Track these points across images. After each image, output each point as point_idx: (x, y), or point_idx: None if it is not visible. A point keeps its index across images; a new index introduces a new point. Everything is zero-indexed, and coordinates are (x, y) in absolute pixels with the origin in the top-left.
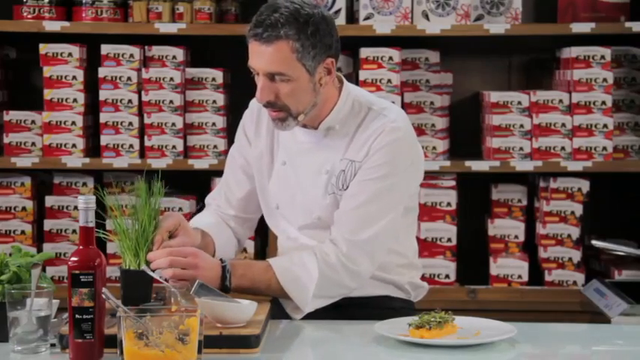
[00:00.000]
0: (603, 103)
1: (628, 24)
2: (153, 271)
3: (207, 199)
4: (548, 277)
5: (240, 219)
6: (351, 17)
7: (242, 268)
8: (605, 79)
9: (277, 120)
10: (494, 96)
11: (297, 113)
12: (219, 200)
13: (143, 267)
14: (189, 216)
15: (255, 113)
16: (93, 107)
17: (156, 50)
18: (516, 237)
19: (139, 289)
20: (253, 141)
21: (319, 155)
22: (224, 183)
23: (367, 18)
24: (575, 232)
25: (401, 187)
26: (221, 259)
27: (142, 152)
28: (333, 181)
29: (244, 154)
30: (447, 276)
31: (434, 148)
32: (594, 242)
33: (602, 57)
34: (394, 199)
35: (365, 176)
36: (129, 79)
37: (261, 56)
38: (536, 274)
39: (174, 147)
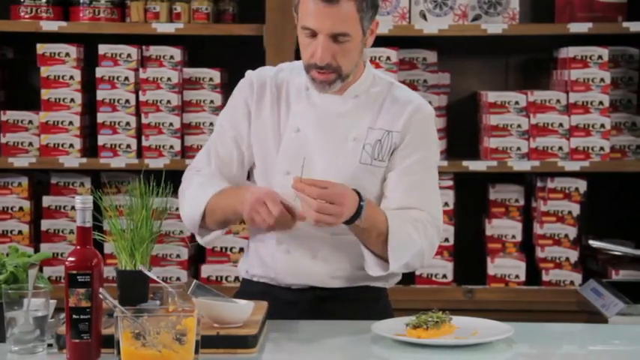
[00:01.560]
0: (600, 103)
1: (625, 24)
2: (149, 270)
3: (192, 168)
4: (545, 277)
5: None
6: None
7: (371, 209)
8: (602, 79)
9: (325, 83)
10: (491, 96)
11: (347, 74)
12: (208, 170)
13: (140, 267)
14: None
15: (256, 86)
16: (90, 107)
17: (153, 50)
18: (513, 237)
19: (135, 290)
20: (255, 114)
21: (343, 122)
22: (214, 155)
23: None
24: (572, 232)
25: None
26: (359, 194)
27: (140, 152)
28: (368, 151)
29: (237, 125)
30: (445, 276)
31: None
32: (591, 242)
33: (600, 57)
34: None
35: (424, 161)
36: (126, 79)
37: (326, 17)
38: (533, 274)
39: (171, 147)
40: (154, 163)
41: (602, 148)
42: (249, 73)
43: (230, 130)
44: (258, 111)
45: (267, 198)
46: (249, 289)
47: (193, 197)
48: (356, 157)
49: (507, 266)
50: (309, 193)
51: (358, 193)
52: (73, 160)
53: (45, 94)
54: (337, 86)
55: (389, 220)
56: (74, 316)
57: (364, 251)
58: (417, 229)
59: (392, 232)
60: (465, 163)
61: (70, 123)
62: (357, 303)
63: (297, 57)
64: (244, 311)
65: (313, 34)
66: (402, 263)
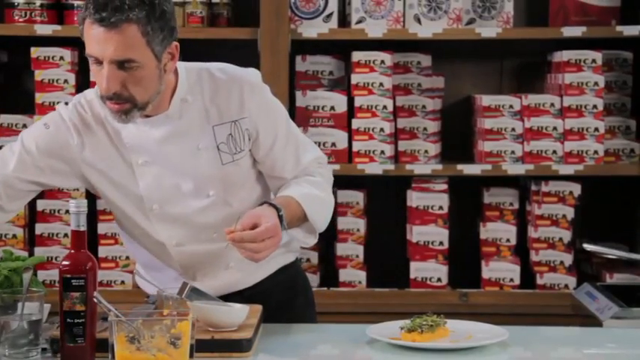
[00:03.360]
0: (594, 106)
1: (619, 28)
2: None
3: None
4: (539, 281)
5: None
6: (343, 21)
7: (286, 208)
8: (596, 83)
9: (121, 113)
10: (485, 99)
11: (143, 103)
12: None
13: (135, 270)
14: None
15: (79, 126)
16: None
17: None
18: (508, 240)
19: None
20: (86, 154)
21: (185, 135)
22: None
23: (359, 22)
24: (566, 235)
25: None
26: (276, 208)
27: None
28: (225, 150)
29: (52, 159)
30: (439, 279)
31: (426, 151)
32: (585, 246)
33: (594, 61)
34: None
35: (285, 127)
36: None
37: (107, 42)
38: (527, 278)
39: None
40: None
41: (596, 152)
42: (61, 112)
43: (37, 156)
44: (92, 151)
45: None
46: None
47: None
48: (216, 162)
49: (502, 270)
50: (249, 240)
51: (273, 206)
52: None
53: (39, 97)
54: (136, 116)
55: (301, 203)
56: (68, 320)
57: (293, 232)
58: (322, 186)
59: (310, 213)
60: (459, 166)
61: None
62: (281, 285)
63: (292, 60)
64: (239, 315)
65: (99, 62)
66: (326, 223)
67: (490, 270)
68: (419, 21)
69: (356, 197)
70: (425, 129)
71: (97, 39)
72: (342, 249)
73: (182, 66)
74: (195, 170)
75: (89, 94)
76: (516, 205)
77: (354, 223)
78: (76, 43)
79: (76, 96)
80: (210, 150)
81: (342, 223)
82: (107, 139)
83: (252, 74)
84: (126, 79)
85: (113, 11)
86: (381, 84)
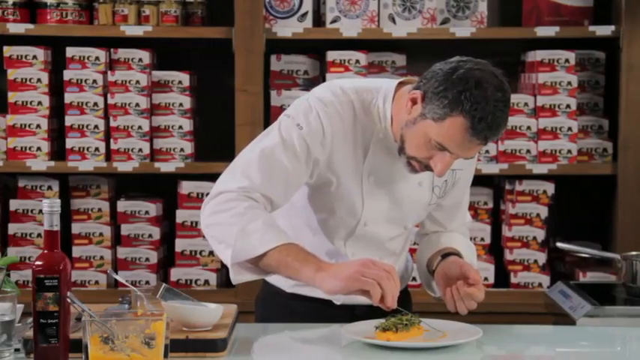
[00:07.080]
0: (568, 106)
1: (592, 28)
2: (116, 273)
3: (244, 189)
4: (513, 279)
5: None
6: (318, 20)
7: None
8: (569, 83)
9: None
10: None
11: None
12: (270, 194)
13: (109, 270)
14: (156, 219)
15: (345, 119)
16: (58, 110)
17: (122, 53)
18: (482, 239)
19: None
20: (337, 151)
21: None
22: (279, 177)
23: (334, 21)
24: (540, 234)
25: None
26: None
27: (108, 155)
28: (437, 193)
29: (315, 152)
30: (414, 278)
31: None
32: (559, 244)
33: (567, 60)
34: None
35: (468, 180)
36: (94, 81)
37: (474, 151)
38: (501, 276)
39: (140, 150)
40: (123, 166)
41: (569, 151)
42: (333, 99)
43: (311, 153)
44: (344, 145)
45: (375, 261)
46: (295, 307)
47: (251, 233)
48: (426, 200)
49: None
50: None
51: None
52: (40, 164)
53: (12, 96)
54: None
55: (463, 256)
56: (42, 321)
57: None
58: (475, 256)
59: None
60: None
61: (38, 126)
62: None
63: (267, 60)
64: (213, 315)
65: (441, 149)
66: None
67: None
68: (393, 20)
69: None
70: None
71: (468, 146)
72: None
73: None
74: (408, 202)
75: (353, 94)
76: (490, 205)
77: None
78: (49, 42)
79: (340, 91)
80: (427, 188)
81: None
82: (357, 142)
83: None
84: None
85: (497, 133)
86: None
